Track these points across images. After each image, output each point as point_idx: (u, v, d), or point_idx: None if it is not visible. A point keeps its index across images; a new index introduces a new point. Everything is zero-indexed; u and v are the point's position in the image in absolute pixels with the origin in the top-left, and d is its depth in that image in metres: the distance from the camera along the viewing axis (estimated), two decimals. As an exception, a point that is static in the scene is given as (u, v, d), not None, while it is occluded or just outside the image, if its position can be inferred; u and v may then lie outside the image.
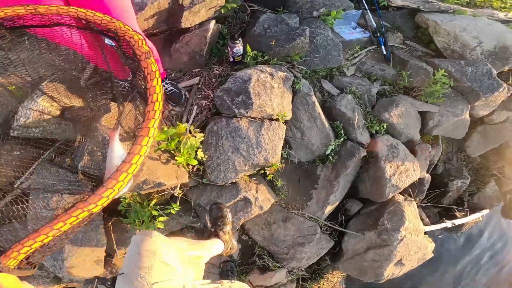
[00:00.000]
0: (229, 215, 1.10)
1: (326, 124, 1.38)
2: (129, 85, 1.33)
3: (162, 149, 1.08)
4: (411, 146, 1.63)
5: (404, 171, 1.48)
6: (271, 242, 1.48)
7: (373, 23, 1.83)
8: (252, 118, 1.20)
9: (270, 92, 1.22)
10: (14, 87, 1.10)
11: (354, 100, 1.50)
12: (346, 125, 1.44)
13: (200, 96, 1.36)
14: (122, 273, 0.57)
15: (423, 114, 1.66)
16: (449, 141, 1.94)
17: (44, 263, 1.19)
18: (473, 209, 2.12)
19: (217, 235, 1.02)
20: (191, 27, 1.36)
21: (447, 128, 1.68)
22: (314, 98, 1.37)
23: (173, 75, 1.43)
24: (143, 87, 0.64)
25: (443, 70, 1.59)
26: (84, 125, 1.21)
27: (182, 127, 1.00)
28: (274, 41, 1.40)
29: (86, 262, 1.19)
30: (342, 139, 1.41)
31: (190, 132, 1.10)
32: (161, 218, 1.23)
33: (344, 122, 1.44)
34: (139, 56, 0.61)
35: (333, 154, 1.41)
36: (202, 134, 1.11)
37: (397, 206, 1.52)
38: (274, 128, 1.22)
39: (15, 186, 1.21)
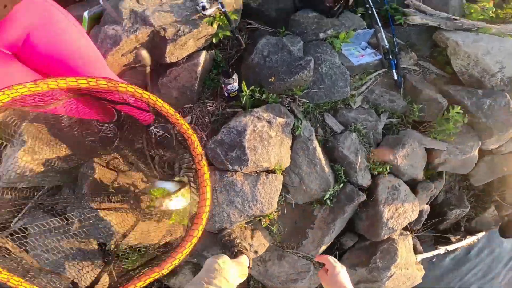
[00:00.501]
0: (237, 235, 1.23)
1: (327, 169, 1.33)
2: (115, 127, 1.24)
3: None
4: (413, 184, 1.58)
5: (402, 213, 1.46)
6: (265, 277, 1.52)
7: (386, 42, 1.65)
8: (247, 172, 1.14)
9: (267, 143, 1.14)
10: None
11: (358, 139, 1.42)
12: (348, 168, 1.38)
13: (193, 138, 1.28)
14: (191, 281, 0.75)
15: (429, 150, 1.58)
16: (452, 175, 1.89)
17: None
18: (469, 232, 2.15)
19: (242, 252, 1.14)
20: (179, 60, 1.23)
21: (455, 166, 1.62)
22: (315, 143, 1.29)
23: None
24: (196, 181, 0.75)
25: (459, 107, 1.47)
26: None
27: (165, 192, 0.96)
28: (273, 78, 1.28)
29: None
30: (342, 184, 1.37)
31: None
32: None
33: (345, 165, 1.38)
34: (194, 157, 0.70)
35: (331, 198, 1.38)
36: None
37: (391, 244, 1.53)
38: (271, 181, 1.17)
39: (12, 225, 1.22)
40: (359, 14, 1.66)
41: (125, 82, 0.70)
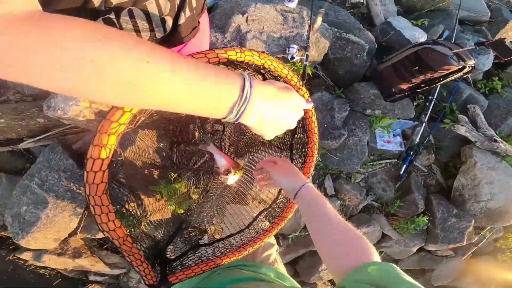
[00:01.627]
0: None
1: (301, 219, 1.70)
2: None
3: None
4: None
5: (335, 264, 1.97)
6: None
7: (417, 139, 1.80)
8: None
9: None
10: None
11: (340, 208, 1.76)
12: (318, 223, 1.77)
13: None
14: None
15: (384, 234, 1.99)
16: (388, 256, 2.35)
17: (7, 222, 1.23)
18: None
19: None
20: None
21: (394, 251, 2.08)
22: (305, 198, 1.61)
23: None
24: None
25: (426, 217, 1.81)
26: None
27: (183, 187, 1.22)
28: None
29: (47, 238, 1.26)
30: (307, 233, 1.78)
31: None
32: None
33: (317, 220, 1.75)
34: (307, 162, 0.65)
35: (293, 238, 1.81)
36: (198, 196, 1.40)
37: (312, 287, 2.09)
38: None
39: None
40: (415, 103, 1.73)
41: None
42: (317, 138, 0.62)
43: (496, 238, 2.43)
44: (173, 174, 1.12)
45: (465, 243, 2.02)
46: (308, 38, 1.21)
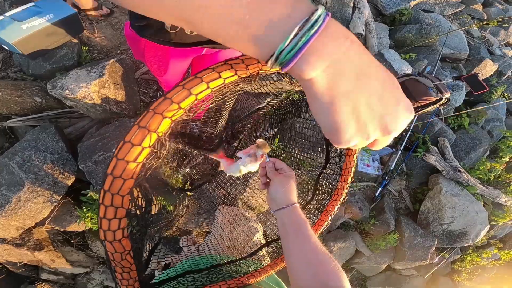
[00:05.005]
0: None
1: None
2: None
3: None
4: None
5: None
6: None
7: (393, 165, 2.12)
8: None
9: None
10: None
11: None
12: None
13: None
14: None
15: (358, 250, 2.26)
16: (359, 273, 2.62)
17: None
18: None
19: None
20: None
21: (365, 267, 2.35)
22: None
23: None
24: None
25: (397, 235, 2.11)
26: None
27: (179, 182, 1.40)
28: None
29: (10, 225, 1.21)
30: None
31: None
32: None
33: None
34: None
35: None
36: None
37: None
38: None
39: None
40: (393, 133, 2.06)
41: None
42: (351, 177, 0.57)
43: (454, 260, 2.82)
44: (168, 169, 1.08)
45: (428, 261, 2.34)
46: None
